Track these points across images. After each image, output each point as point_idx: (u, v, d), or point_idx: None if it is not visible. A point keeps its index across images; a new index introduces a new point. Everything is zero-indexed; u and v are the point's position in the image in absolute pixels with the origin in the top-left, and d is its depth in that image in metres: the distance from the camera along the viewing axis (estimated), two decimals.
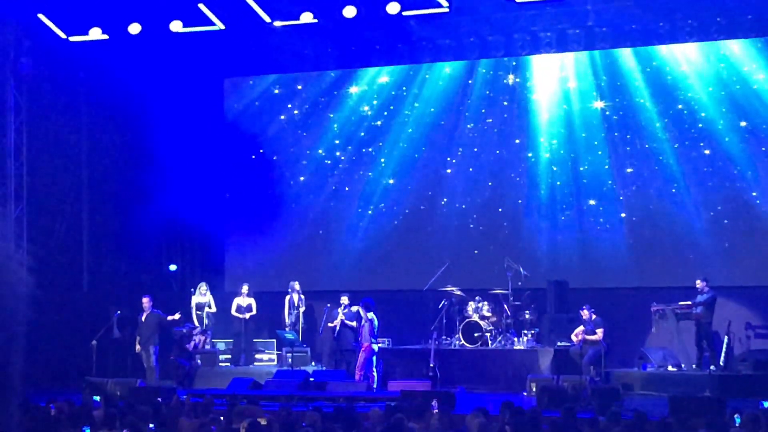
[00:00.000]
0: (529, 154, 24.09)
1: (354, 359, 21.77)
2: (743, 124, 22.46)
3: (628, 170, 23.37)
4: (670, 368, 20.92)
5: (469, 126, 24.50)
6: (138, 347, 22.01)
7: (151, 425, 12.43)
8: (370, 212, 25.07)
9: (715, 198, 22.65)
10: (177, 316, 22.28)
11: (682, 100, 22.91)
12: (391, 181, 24.99)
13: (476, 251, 24.25)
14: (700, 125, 22.83)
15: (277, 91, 25.74)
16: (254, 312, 23.65)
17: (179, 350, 22.61)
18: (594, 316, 21.14)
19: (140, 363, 22.30)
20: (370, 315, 21.39)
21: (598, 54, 23.39)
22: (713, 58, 22.68)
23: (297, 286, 23.65)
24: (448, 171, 24.65)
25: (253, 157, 25.74)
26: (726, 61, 22.61)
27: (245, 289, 23.73)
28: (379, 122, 25.13)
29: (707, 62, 22.73)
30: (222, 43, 23.29)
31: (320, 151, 25.44)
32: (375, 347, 21.45)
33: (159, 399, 16.81)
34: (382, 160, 25.10)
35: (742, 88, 22.46)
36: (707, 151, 22.80)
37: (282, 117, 25.69)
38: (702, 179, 22.78)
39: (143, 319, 22.08)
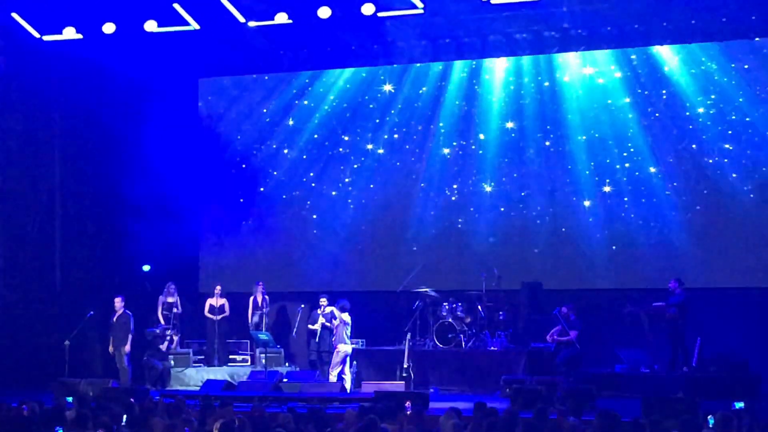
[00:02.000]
0: (506, 159, 24.09)
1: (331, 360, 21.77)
2: (729, 132, 22.53)
3: (604, 171, 23.41)
4: (643, 369, 20.96)
5: (441, 126, 24.51)
6: (111, 348, 21.90)
7: (124, 425, 12.38)
8: (344, 213, 25.02)
9: (690, 199, 22.71)
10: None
11: (662, 102, 22.97)
12: (369, 184, 24.94)
13: (450, 252, 24.23)
14: (674, 130, 22.87)
15: (252, 91, 25.66)
16: (227, 313, 23.57)
17: (152, 351, 22.49)
18: (574, 317, 21.18)
19: (113, 363, 22.19)
20: (346, 316, 21.37)
21: (578, 55, 23.42)
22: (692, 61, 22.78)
23: (261, 286, 23.62)
24: (423, 172, 24.62)
25: (225, 151, 25.67)
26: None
27: (218, 289, 23.66)
28: (355, 124, 25.08)
29: (684, 64, 22.81)
30: (197, 43, 23.19)
31: (295, 152, 25.37)
32: (349, 349, 21.44)
33: (132, 399, 16.75)
34: (359, 161, 25.06)
35: (721, 90, 22.55)
36: (683, 155, 22.86)
37: (257, 117, 25.63)
38: (677, 180, 22.83)
39: (115, 319, 21.97)
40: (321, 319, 22.54)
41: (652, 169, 22.97)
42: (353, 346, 22.45)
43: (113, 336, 21.88)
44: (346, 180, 25.07)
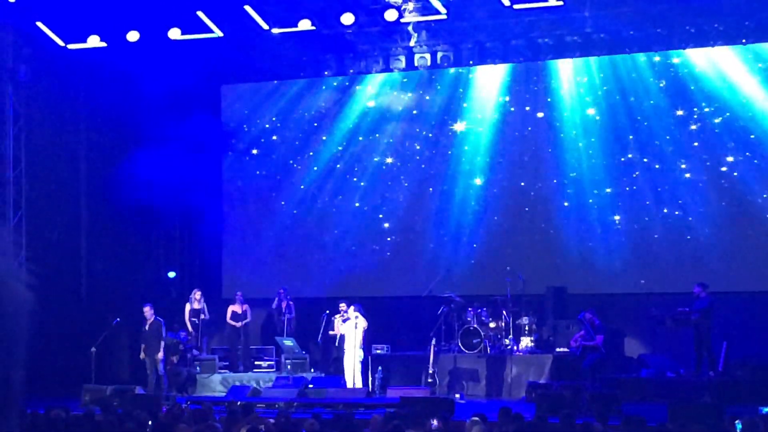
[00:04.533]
0: (526, 158, 24.12)
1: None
2: (751, 136, 22.46)
3: (628, 175, 23.38)
4: (668, 374, 20.90)
5: (460, 130, 24.54)
6: (143, 355, 21.93)
7: None
8: (368, 218, 25.05)
9: (714, 203, 22.64)
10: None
11: (685, 105, 22.93)
12: (390, 184, 24.98)
13: (475, 257, 24.23)
14: (702, 134, 22.81)
15: (274, 97, 25.74)
16: (249, 319, 23.61)
17: (177, 357, 22.56)
18: (599, 322, 21.14)
19: (139, 370, 22.27)
20: (362, 320, 21.47)
21: (595, 60, 23.42)
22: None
23: (283, 292, 23.64)
24: (447, 176, 24.65)
25: (247, 158, 25.75)
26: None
27: (240, 296, 23.69)
28: (378, 129, 25.13)
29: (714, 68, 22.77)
30: (220, 50, 23.28)
31: (318, 158, 25.43)
32: (361, 353, 21.59)
33: (158, 406, 16.83)
34: (382, 166, 25.12)
35: (740, 94, 22.48)
36: (707, 159, 22.82)
37: (279, 124, 25.71)
38: (702, 184, 22.76)
39: (147, 328, 22.02)
40: (339, 323, 22.48)
41: (678, 172, 22.91)
42: (378, 351, 22.55)
43: (146, 344, 21.88)
44: (370, 184, 25.09)
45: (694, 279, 21.40)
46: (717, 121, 22.68)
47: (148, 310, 22.07)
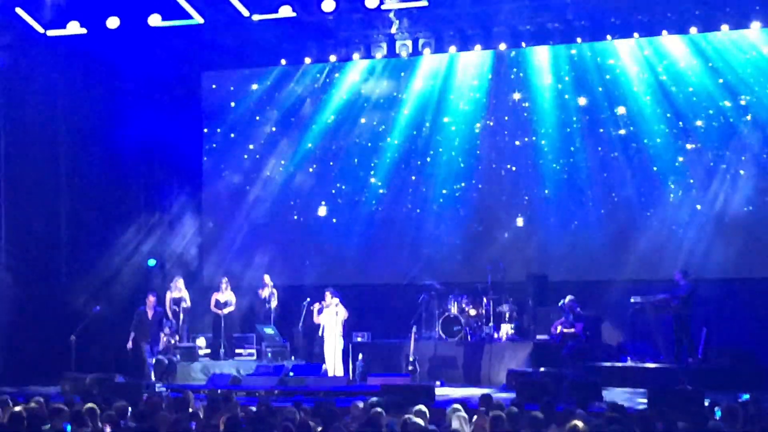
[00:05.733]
0: (517, 142, 24.09)
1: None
2: (731, 119, 22.54)
3: (609, 162, 23.40)
4: (648, 361, 20.96)
5: (442, 116, 24.54)
6: (130, 344, 21.81)
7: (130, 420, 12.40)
8: (349, 206, 25.02)
9: (695, 190, 22.68)
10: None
11: (665, 93, 22.96)
12: (372, 177, 24.94)
13: (455, 245, 24.22)
14: (681, 123, 22.83)
15: (255, 85, 25.65)
16: (233, 307, 23.55)
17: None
18: (579, 310, 21.16)
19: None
20: (342, 308, 21.45)
21: (576, 47, 23.41)
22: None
23: (268, 279, 23.58)
24: (428, 164, 24.63)
25: (227, 144, 25.66)
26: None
27: (224, 283, 23.62)
28: (361, 117, 25.08)
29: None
30: (200, 36, 23.18)
31: (299, 145, 25.35)
32: (341, 342, 21.58)
33: (139, 395, 16.79)
34: (364, 153, 25.08)
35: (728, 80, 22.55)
36: (689, 146, 22.84)
37: (260, 111, 25.59)
38: (682, 171, 22.80)
39: (151, 317, 21.91)
40: (325, 312, 22.45)
41: (660, 159, 22.95)
42: (359, 339, 22.59)
43: (146, 333, 21.79)
44: (351, 171, 25.05)
45: (674, 266, 21.48)
46: (700, 110, 22.70)
47: (152, 299, 22.01)
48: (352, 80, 25.10)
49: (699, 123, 22.71)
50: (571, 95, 23.67)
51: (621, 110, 23.25)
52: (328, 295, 22.30)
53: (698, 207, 22.60)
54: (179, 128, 25.03)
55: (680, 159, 22.89)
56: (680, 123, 22.86)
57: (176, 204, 25.09)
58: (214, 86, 25.89)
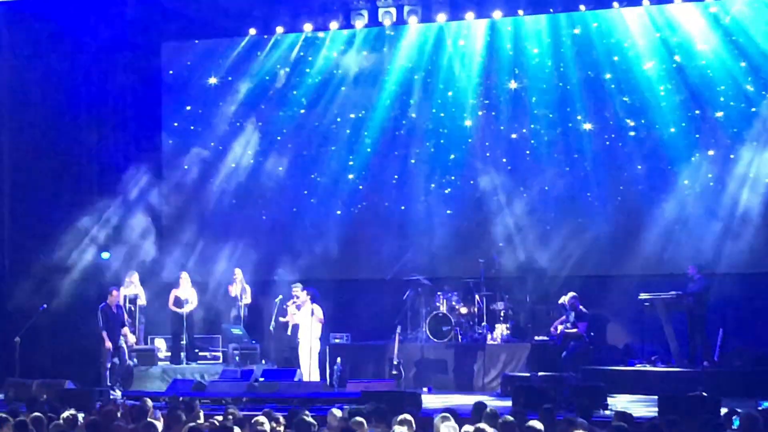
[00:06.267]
0: (501, 127, 24.06)
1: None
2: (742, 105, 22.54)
3: (610, 142, 23.40)
4: (658, 364, 21.00)
5: (429, 93, 24.51)
6: (109, 343, 21.66)
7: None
8: (326, 192, 24.95)
9: (710, 176, 22.67)
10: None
11: (679, 73, 22.95)
12: (351, 161, 24.89)
13: (445, 236, 24.19)
14: (697, 110, 22.78)
15: (221, 56, 25.49)
16: (195, 305, 23.47)
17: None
18: (582, 308, 21.16)
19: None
20: (317, 307, 21.43)
21: (576, 15, 23.41)
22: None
23: (240, 274, 23.51)
24: (415, 148, 24.60)
25: (190, 126, 25.58)
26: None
27: (184, 279, 23.51)
28: (334, 94, 25.00)
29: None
30: (160, 3, 23.10)
31: (269, 124, 25.27)
32: (318, 344, 21.57)
33: (91, 402, 16.73)
34: (339, 137, 25.03)
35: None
36: (697, 135, 22.83)
37: (226, 86, 25.46)
38: (696, 157, 22.77)
39: (116, 311, 21.79)
40: (293, 310, 22.39)
41: (668, 138, 22.95)
42: (337, 340, 22.59)
43: (112, 330, 21.67)
44: (327, 155, 25.00)
45: (688, 259, 21.50)
46: (716, 94, 22.66)
47: (116, 294, 21.88)
48: (327, 53, 25.00)
49: (717, 109, 22.59)
50: (575, 76, 23.54)
51: (626, 99, 23.18)
52: (297, 290, 22.26)
53: (714, 194, 22.56)
54: (137, 106, 24.96)
55: (695, 143, 22.83)
56: (696, 110, 22.75)
57: (133, 188, 24.94)
58: (174, 59, 25.76)
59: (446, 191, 24.30)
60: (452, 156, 24.29)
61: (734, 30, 22.50)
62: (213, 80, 25.46)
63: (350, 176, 24.80)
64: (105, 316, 21.58)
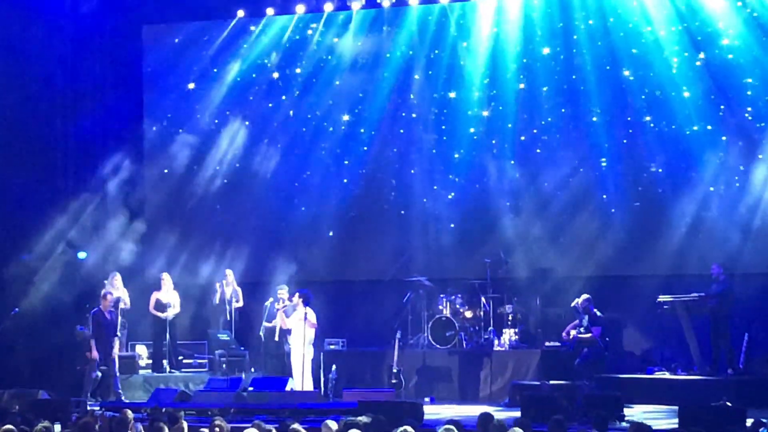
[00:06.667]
0: (509, 125, 24.07)
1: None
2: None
3: (625, 130, 23.40)
4: (679, 372, 21.03)
5: (431, 80, 24.53)
6: (95, 353, 21.66)
7: None
8: (320, 187, 24.95)
9: (734, 169, 22.67)
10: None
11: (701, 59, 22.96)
12: (347, 153, 24.91)
13: (448, 233, 24.21)
14: (722, 105, 22.72)
15: (205, 40, 25.50)
16: (178, 309, 23.48)
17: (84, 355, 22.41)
18: (596, 311, 21.17)
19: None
20: (310, 311, 21.42)
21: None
22: None
23: (231, 276, 23.50)
24: (416, 138, 24.61)
25: (169, 114, 25.60)
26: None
27: (166, 280, 23.50)
28: (330, 83, 25.02)
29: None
30: None
31: (258, 114, 25.30)
32: (311, 350, 21.56)
33: (67, 413, 16.77)
34: (337, 125, 25.05)
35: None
36: (725, 137, 22.81)
37: (211, 72, 25.50)
38: (719, 149, 22.76)
39: (109, 318, 21.77)
40: (281, 315, 22.39)
41: (687, 127, 22.96)
42: (332, 346, 22.61)
43: (107, 339, 21.69)
44: (321, 147, 25.01)
45: (711, 258, 21.50)
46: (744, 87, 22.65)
47: (111, 299, 21.87)
48: (321, 37, 25.02)
49: (743, 104, 22.54)
50: (590, 64, 23.52)
51: (645, 91, 23.19)
52: (283, 292, 22.26)
53: (739, 191, 22.52)
54: (115, 94, 24.97)
55: (717, 134, 22.81)
56: (721, 105, 22.70)
57: (112, 183, 24.94)
58: (155, 44, 25.77)
59: (450, 185, 24.27)
60: (457, 149, 24.31)
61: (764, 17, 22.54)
62: (197, 67, 25.47)
63: (346, 169, 24.79)
64: (97, 322, 21.56)
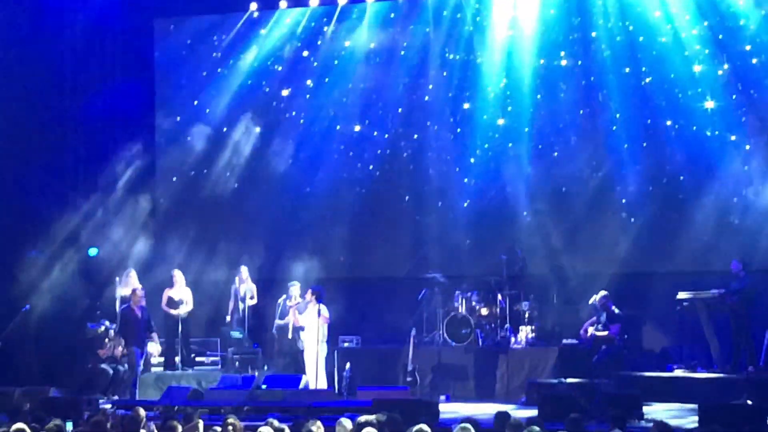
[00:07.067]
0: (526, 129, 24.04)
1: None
2: None
3: (645, 127, 23.34)
4: (699, 370, 20.98)
5: (450, 95, 24.49)
6: (122, 349, 21.70)
7: None
8: (334, 183, 24.92)
9: (755, 162, 22.60)
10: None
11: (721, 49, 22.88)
12: (363, 148, 24.86)
13: (464, 230, 24.17)
14: (740, 86, 22.69)
15: (217, 33, 25.52)
16: (191, 306, 23.48)
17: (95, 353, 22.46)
18: (615, 308, 21.13)
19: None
20: (323, 308, 21.41)
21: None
22: None
23: (245, 273, 23.49)
24: (432, 133, 24.58)
25: (179, 118, 25.62)
26: None
27: (178, 277, 23.50)
28: (344, 78, 25.00)
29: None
30: None
31: (271, 109, 25.27)
32: (325, 347, 21.55)
33: (79, 411, 16.79)
34: (351, 120, 25.01)
35: None
36: (744, 119, 22.75)
37: (223, 67, 25.49)
38: (741, 141, 22.69)
39: (139, 315, 21.80)
40: (294, 312, 22.37)
41: (712, 126, 22.90)
42: (346, 344, 22.60)
43: (129, 334, 21.72)
44: (336, 141, 24.99)
45: (731, 254, 21.43)
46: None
47: (141, 294, 21.90)
48: (336, 30, 25.00)
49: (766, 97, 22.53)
50: (610, 56, 23.44)
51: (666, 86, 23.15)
52: (295, 289, 22.25)
53: (761, 187, 22.45)
54: (127, 87, 24.97)
55: (740, 126, 22.76)
56: (739, 86, 22.69)
57: (123, 178, 24.96)
58: (166, 38, 25.78)
59: (465, 180, 24.23)
60: (473, 147, 24.25)
61: None
62: (208, 62, 25.47)
63: (361, 166, 24.77)
64: (125, 319, 21.60)
